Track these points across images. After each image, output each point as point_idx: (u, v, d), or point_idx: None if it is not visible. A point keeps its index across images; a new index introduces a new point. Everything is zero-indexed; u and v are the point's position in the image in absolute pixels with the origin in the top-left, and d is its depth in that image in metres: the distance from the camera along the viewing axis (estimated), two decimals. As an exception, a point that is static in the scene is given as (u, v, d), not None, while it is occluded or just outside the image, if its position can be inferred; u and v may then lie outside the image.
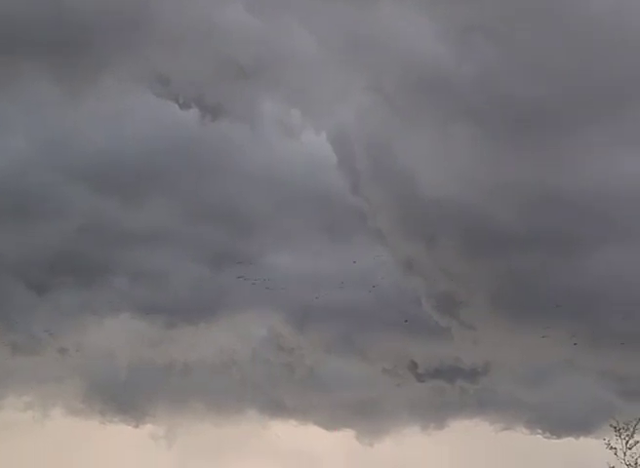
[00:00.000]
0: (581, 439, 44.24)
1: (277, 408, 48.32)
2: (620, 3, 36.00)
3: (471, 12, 37.84)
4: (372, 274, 41.70)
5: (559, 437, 45.24)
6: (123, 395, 46.44)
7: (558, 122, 38.83)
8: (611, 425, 33.57)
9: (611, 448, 33.00)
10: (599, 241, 39.87)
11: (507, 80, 38.06)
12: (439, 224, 40.81)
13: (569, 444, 44.95)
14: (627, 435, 33.11)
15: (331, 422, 48.83)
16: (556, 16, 36.52)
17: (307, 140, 41.37)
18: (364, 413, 48.48)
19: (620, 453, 33.03)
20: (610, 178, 38.28)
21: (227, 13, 40.72)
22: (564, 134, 39.07)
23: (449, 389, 45.12)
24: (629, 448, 33.12)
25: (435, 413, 48.03)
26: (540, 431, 45.76)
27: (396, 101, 39.84)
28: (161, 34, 41.04)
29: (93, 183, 42.56)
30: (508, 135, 39.44)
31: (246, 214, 42.07)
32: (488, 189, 39.61)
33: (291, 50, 41.23)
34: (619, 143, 38.11)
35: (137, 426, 48.27)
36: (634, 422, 33.27)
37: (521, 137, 39.43)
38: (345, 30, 40.05)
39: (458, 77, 38.74)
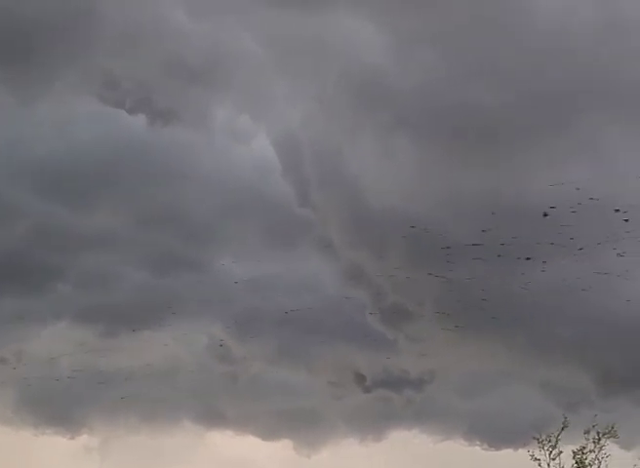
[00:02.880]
0: (520, 451, 44.52)
1: (216, 418, 47.89)
2: (567, 15, 36.51)
3: (418, 22, 38.05)
4: (318, 283, 41.61)
5: (498, 449, 45.53)
6: (60, 405, 45.48)
7: (504, 132, 39.17)
8: (534, 437, 34.30)
9: (535, 459, 33.98)
10: (544, 252, 40.28)
11: (452, 90, 38.25)
12: (386, 234, 40.83)
13: (507, 456, 45.21)
14: (551, 446, 34.00)
15: (269, 433, 48.50)
16: (502, 26, 36.90)
17: (257, 146, 41.27)
18: (303, 424, 48.30)
19: (545, 465, 34.12)
20: (556, 190, 38.73)
21: (176, 17, 40.43)
22: (510, 144, 39.41)
23: (394, 399, 45.19)
24: (553, 460, 34.11)
25: (374, 425, 48.09)
26: (478, 442, 46.05)
27: (343, 109, 39.87)
28: (109, 39, 40.52)
29: (40, 188, 41.86)
30: (454, 145, 39.65)
31: (194, 220, 41.58)
32: (435, 199, 39.80)
33: (240, 55, 41.04)
34: (565, 154, 38.64)
35: (72, 438, 47.30)
36: (556, 433, 34.12)
37: (466, 148, 39.68)
38: (294, 36, 39.92)
39: (403, 86, 38.94)
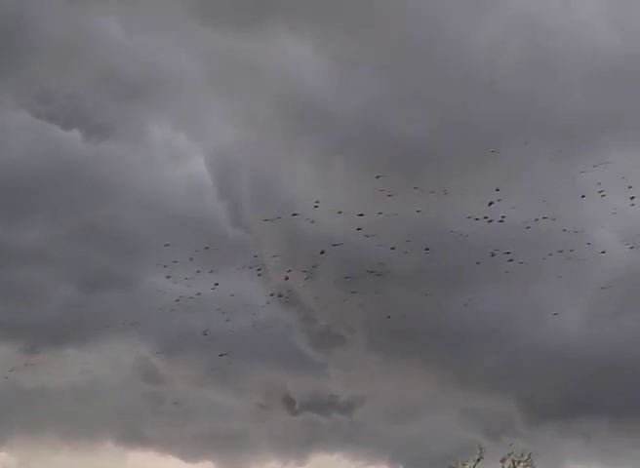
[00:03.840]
0: (444, 477, 44.79)
1: (139, 438, 47.16)
2: (498, 45, 37.13)
3: (357, 47, 38.37)
4: (249, 305, 41.38)
5: (422, 474, 45.71)
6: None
7: (438, 157, 39.59)
8: (450, 467, 34.72)
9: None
10: (474, 281, 40.77)
11: (386, 116, 38.60)
12: (319, 258, 40.88)
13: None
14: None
15: (192, 454, 47.86)
16: (437, 57, 37.39)
17: (192, 165, 41.12)
18: (228, 446, 47.84)
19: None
20: (489, 216, 39.24)
21: (113, 32, 40.16)
22: (444, 169, 39.82)
23: (322, 423, 45.09)
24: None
25: (299, 448, 47.81)
26: (401, 468, 46.15)
27: (278, 131, 39.96)
28: (43, 53, 40.07)
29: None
30: (389, 168, 39.89)
31: (126, 237, 41.08)
32: (368, 224, 39.96)
33: (178, 73, 40.93)
34: (497, 181, 39.17)
35: (-9, 456, 46.11)
36: (473, 463, 34.56)
37: (401, 172, 39.96)
38: (232, 57, 39.95)
39: (339, 110, 39.19)
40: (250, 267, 41.30)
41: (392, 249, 40.24)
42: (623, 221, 38.58)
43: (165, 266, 41.83)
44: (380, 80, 38.55)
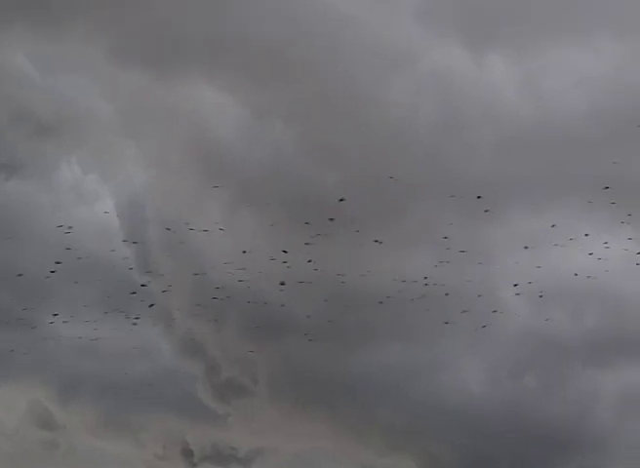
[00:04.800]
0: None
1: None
2: (412, 103, 37.72)
3: (274, 98, 38.58)
4: (152, 352, 40.84)
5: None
6: None
7: (346, 215, 39.72)
8: None
9: None
10: (379, 336, 40.98)
11: (298, 168, 38.79)
12: (225, 308, 40.63)
13: None
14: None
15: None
16: (350, 111, 37.78)
17: (100, 208, 40.57)
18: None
19: None
20: (395, 277, 39.52)
21: (24, 69, 39.71)
22: (353, 224, 39.96)
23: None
24: None
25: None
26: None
27: (190, 179, 39.83)
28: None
29: None
30: (298, 219, 39.93)
31: (28, 279, 40.04)
32: (278, 276, 39.88)
33: (91, 114, 40.55)
34: (407, 241, 39.56)
35: None
36: None
37: (317, 226, 40.02)
38: (148, 101, 39.76)
39: (251, 160, 39.30)
40: (154, 314, 40.78)
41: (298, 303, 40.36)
42: (526, 282, 39.26)
43: (66, 309, 41.02)
44: (294, 131, 38.79)
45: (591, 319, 40.39)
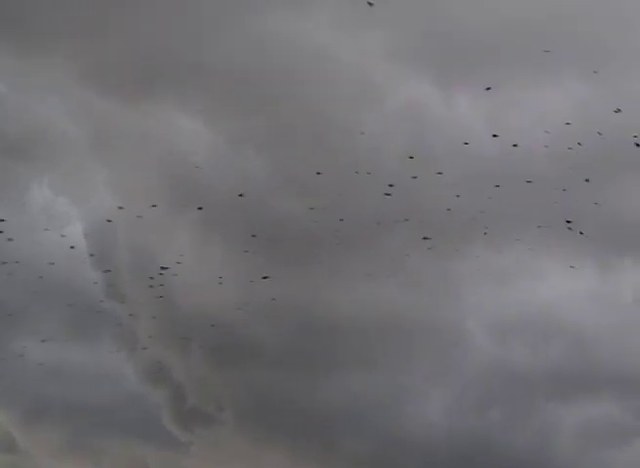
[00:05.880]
0: None
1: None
2: (387, 130, 38.03)
3: (246, 126, 38.79)
4: (117, 377, 40.71)
5: None
6: None
7: (316, 245, 39.98)
8: None
9: None
10: (348, 366, 41.11)
11: (268, 198, 38.93)
12: (192, 334, 40.64)
13: None
14: None
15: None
16: (324, 136, 38.04)
17: (70, 232, 40.47)
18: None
19: None
20: (361, 308, 39.80)
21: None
22: (319, 254, 40.17)
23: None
24: None
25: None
26: None
27: (159, 203, 39.74)
28: None
29: None
30: (267, 247, 40.04)
31: (-1, 303, 39.93)
32: (247, 305, 40.01)
33: (62, 137, 40.60)
34: (374, 273, 39.79)
35: None
36: None
37: (279, 256, 40.19)
38: (119, 125, 39.82)
39: (222, 187, 39.39)
40: (121, 339, 40.73)
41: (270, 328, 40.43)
42: (491, 314, 39.69)
43: (32, 333, 40.90)
44: (265, 160, 39.01)
45: (554, 352, 40.77)
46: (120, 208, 37.64)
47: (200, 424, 41.35)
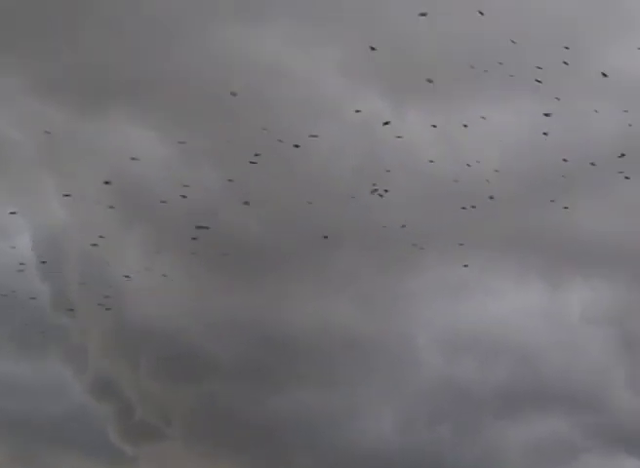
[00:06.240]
0: None
1: None
2: (339, 145, 38.08)
3: (201, 139, 38.60)
4: (64, 390, 40.28)
5: None
6: None
7: (271, 261, 39.94)
8: None
9: None
10: (299, 380, 41.07)
11: (222, 212, 38.78)
12: (144, 349, 40.40)
13: None
14: None
15: None
16: (278, 151, 37.88)
17: (18, 243, 40.00)
18: None
19: None
20: (315, 323, 39.83)
21: None
22: (277, 273, 40.17)
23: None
24: None
25: None
26: None
27: (110, 216, 39.51)
28: None
29: None
30: (222, 268, 40.00)
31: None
32: (198, 320, 39.86)
33: (11, 147, 40.17)
34: (326, 291, 39.89)
35: None
36: None
37: (236, 276, 40.19)
38: (70, 137, 39.37)
39: (174, 199, 39.11)
40: (68, 352, 40.35)
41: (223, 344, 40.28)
42: (442, 331, 39.85)
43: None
44: (220, 174, 38.91)
45: (503, 369, 41.01)
46: (69, 219, 37.39)
47: (148, 439, 41.05)
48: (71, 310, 39.40)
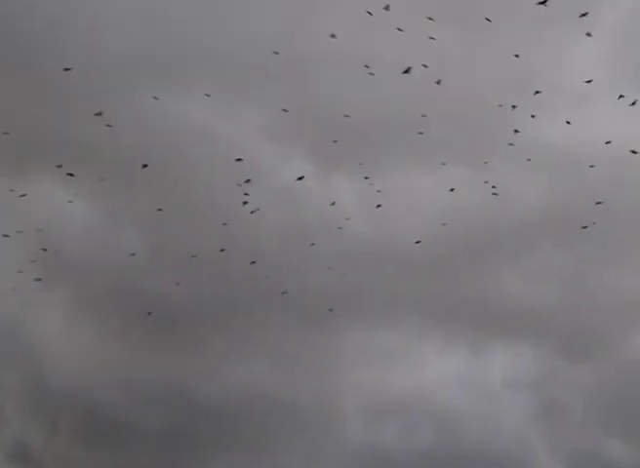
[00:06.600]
0: None
1: None
2: (265, 209, 38.13)
3: (124, 204, 38.51)
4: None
5: None
6: None
7: (194, 322, 39.71)
8: None
9: None
10: (222, 446, 40.64)
11: (143, 275, 38.60)
12: (63, 414, 39.72)
13: None
14: None
15: None
16: (205, 217, 37.95)
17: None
18: None
19: None
20: (239, 389, 39.61)
21: None
22: (203, 343, 40.01)
23: None
24: None
25: None
26: None
27: (28, 283, 38.99)
28: None
29: None
30: (139, 330, 39.70)
31: None
32: (120, 385, 39.35)
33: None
34: (252, 353, 39.75)
35: None
36: None
37: (158, 341, 39.89)
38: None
39: (98, 265, 38.91)
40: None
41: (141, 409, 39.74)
42: (365, 396, 39.83)
43: None
44: (145, 239, 38.79)
45: (425, 435, 40.98)
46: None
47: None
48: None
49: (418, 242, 34.19)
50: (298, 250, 36.88)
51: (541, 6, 27.54)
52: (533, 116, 32.05)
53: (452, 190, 35.22)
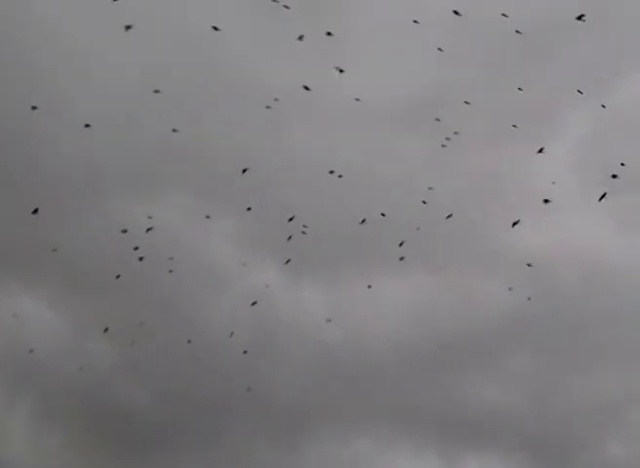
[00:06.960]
0: None
1: None
2: (232, 317, 38.16)
3: (93, 311, 38.48)
4: None
5: None
6: None
7: (166, 441, 39.23)
8: None
9: None
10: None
11: (115, 383, 38.28)
12: None
13: None
14: None
15: None
16: (170, 324, 37.90)
17: None
18: None
19: None
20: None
21: None
22: (171, 452, 39.43)
23: None
24: None
25: None
26: None
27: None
28: None
29: None
30: (108, 439, 39.11)
31: None
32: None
33: None
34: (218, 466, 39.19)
35: None
36: None
37: (126, 451, 39.31)
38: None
39: (64, 373, 38.64)
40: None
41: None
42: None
43: None
44: (111, 347, 38.63)
45: None
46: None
47: None
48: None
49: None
50: (266, 356, 36.90)
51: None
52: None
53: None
